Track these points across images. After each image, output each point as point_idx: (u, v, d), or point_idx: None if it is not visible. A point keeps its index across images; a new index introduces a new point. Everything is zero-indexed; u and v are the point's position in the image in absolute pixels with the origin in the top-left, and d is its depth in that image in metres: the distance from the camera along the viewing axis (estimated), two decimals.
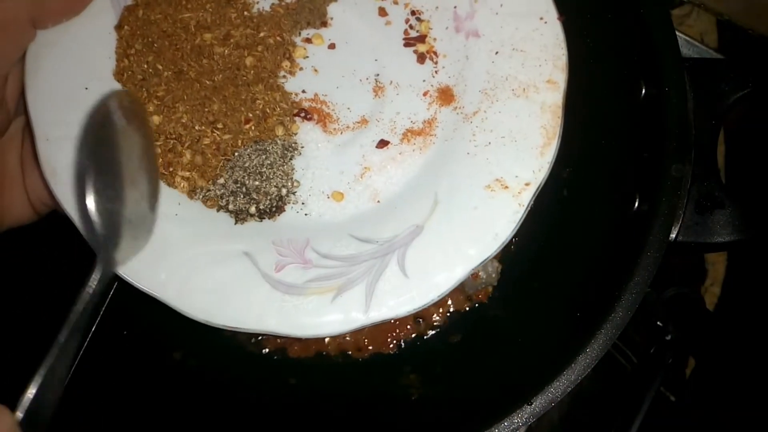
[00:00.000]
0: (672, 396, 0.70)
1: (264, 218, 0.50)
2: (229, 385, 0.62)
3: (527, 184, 0.47)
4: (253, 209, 0.49)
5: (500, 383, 0.53)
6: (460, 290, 0.66)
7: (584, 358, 0.48)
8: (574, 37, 0.62)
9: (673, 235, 0.52)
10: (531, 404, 0.47)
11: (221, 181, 0.49)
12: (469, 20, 0.52)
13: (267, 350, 0.66)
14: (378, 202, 0.51)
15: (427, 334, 0.67)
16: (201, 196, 0.49)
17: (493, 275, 0.63)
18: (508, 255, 0.68)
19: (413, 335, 0.67)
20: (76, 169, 0.43)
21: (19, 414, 0.34)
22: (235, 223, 0.49)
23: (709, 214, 0.54)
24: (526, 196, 0.47)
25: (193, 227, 0.47)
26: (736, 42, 0.75)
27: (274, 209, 0.50)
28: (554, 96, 0.49)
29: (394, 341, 0.67)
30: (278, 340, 0.66)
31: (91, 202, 0.39)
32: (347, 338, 0.67)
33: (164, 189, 0.48)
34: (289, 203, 0.50)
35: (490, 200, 0.47)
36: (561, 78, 0.49)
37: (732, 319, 0.73)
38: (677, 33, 0.56)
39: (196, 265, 0.46)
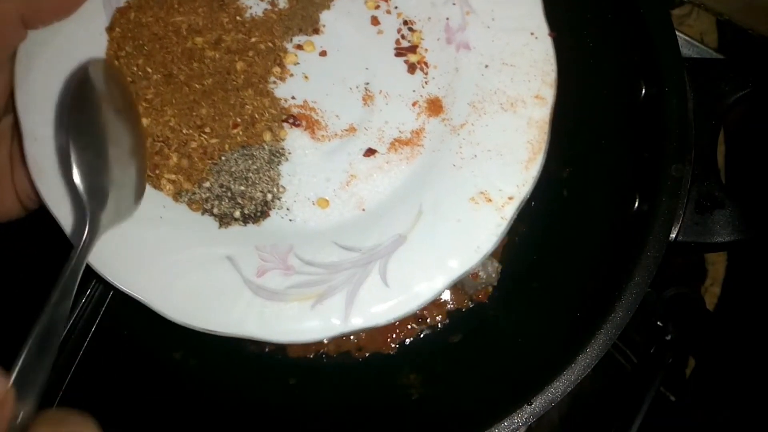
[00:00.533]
0: (672, 396, 0.70)
1: (248, 223, 0.50)
2: (230, 385, 0.62)
3: (510, 198, 0.47)
4: (237, 213, 0.49)
5: (500, 383, 0.53)
6: (460, 290, 0.66)
7: (584, 358, 0.48)
8: (574, 38, 0.62)
9: (673, 235, 0.52)
10: (531, 404, 0.47)
11: (207, 184, 0.49)
12: (461, 32, 0.52)
13: (267, 350, 0.66)
14: (363, 210, 0.51)
15: (427, 334, 0.67)
16: (186, 199, 0.49)
17: (493, 275, 0.63)
18: (508, 255, 0.68)
19: (413, 335, 0.67)
20: (57, 131, 0.44)
21: (13, 375, 0.35)
22: (219, 227, 0.49)
23: (709, 214, 0.54)
24: (509, 210, 0.47)
25: (177, 230, 0.48)
26: (736, 42, 0.75)
27: (258, 214, 0.50)
28: (542, 112, 0.49)
29: (395, 341, 0.67)
30: None
31: (74, 158, 0.40)
32: (347, 338, 0.67)
33: (149, 191, 0.48)
34: (274, 208, 0.50)
35: (474, 213, 0.47)
36: (549, 94, 0.49)
37: (732, 319, 0.73)
38: (677, 33, 0.56)
39: (178, 268, 0.46)
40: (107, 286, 0.54)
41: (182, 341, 0.62)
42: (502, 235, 0.47)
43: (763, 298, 0.73)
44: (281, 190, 0.51)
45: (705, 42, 0.74)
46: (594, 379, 0.73)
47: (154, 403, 0.56)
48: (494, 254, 0.66)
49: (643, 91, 0.54)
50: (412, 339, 0.67)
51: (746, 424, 0.69)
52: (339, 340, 0.67)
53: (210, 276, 0.46)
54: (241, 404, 0.59)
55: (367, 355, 0.66)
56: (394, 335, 0.67)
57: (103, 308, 0.53)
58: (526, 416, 0.47)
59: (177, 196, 0.49)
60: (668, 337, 0.66)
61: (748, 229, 0.54)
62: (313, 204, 0.51)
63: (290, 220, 0.50)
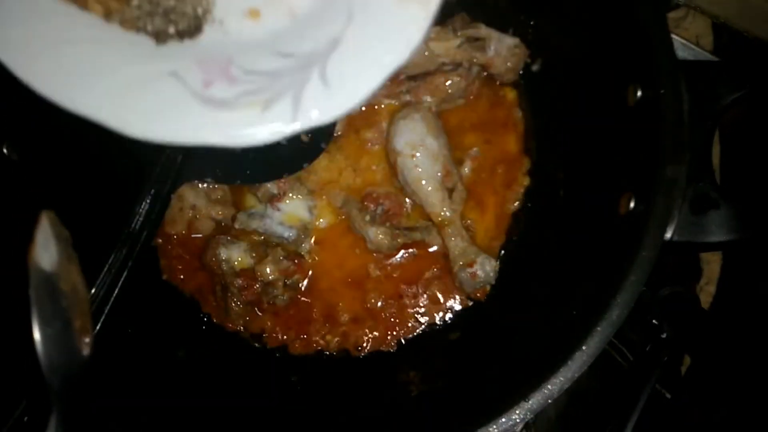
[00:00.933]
0: (668, 393, 0.71)
1: (184, 38, 0.50)
2: (232, 382, 0.63)
3: None
4: (171, 29, 0.50)
5: (498, 380, 0.54)
6: (459, 289, 0.67)
7: (581, 356, 0.48)
8: (571, 40, 0.63)
9: (668, 235, 0.52)
10: (528, 401, 0.48)
11: (135, 2, 0.49)
12: None
13: (269, 348, 0.67)
14: (294, 17, 0.51)
15: (426, 332, 0.68)
16: (117, 19, 0.49)
17: (491, 274, 0.64)
18: (506, 254, 0.69)
19: (413, 333, 0.68)
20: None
21: None
22: (157, 44, 0.50)
23: (703, 214, 0.55)
24: (434, 5, 0.48)
25: (114, 49, 0.48)
26: (731, 45, 0.75)
27: (192, 29, 0.50)
28: None
29: (394, 339, 0.68)
30: (282, 337, 0.67)
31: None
32: (347, 336, 0.68)
33: (80, 13, 0.48)
34: (206, 23, 0.51)
35: (402, 11, 0.48)
36: None
37: (727, 318, 0.74)
38: (673, 36, 0.57)
39: (125, 86, 0.47)
40: (111, 285, 0.55)
41: (186, 339, 0.63)
42: (428, 29, 0.48)
43: (757, 296, 0.74)
44: (211, 3, 0.51)
45: (701, 45, 0.75)
46: (590, 377, 0.73)
47: (158, 401, 0.56)
48: (492, 254, 0.68)
49: (639, 93, 0.54)
50: (411, 337, 0.68)
51: (741, 421, 0.70)
52: (340, 337, 0.67)
53: (158, 91, 0.47)
54: (244, 401, 0.59)
55: (368, 352, 0.67)
56: (393, 333, 0.67)
57: (108, 306, 0.54)
58: (523, 413, 0.48)
59: (107, 16, 0.49)
60: (664, 336, 0.67)
61: (742, 228, 0.55)
62: (245, 15, 0.51)
63: (224, 32, 0.51)
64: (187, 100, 0.47)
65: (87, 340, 0.45)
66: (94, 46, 0.48)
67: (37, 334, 0.40)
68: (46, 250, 0.44)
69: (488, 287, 0.67)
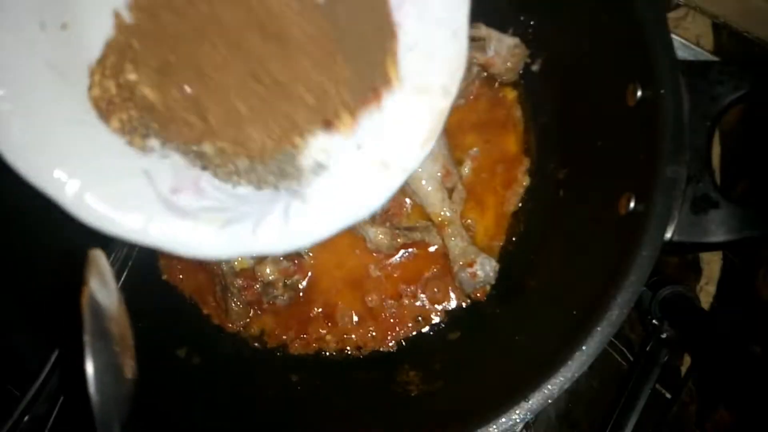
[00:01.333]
0: (667, 393, 0.71)
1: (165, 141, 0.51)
2: (232, 382, 0.63)
3: (402, 170, 0.49)
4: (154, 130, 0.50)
5: (498, 380, 0.54)
6: (459, 289, 0.67)
7: (581, 356, 0.48)
8: (571, 40, 0.63)
9: (668, 235, 0.52)
10: (528, 401, 0.48)
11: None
12: (398, 10, 0.53)
13: (269, 347, 0.67)
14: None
15: (426, 332, 0.68)
16: (128, 138, 0.49)
17: (491, 274, 0.64)
18: (506, 254, 0.69)
19: (412, 333, 0.68)
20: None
21: None
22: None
23: (704, 214, 0.55)
24: (398, 181, 0.49)
25: (96, 136, 0.48)
26: (731, 45, 0.75)
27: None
28: (444, 102, 0.50)
29: (394, 339, 0.68)
30: (282, 337, 0.67)
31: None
32: (347, 336, 0.68)
33: (83, 98, 0.48)
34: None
35: (369, 177, 0.49)
36: (453, 89, 0.50)
37: (726, 318, 0.74)
38: (673, 36, 0.57)
39: (94, 174, 0.47)
40: None
41: (186, 338, 0.63)
42: (385, 202, 0.49)
43: (756, 296, 0.74)
44: None
45: (701, 44, 0.75)
46: (590, 377, 0.74)
47: (159, 399, 0.56)
48: (492, 254, 0.68)
49: (639, 93, 0.55)
50: (411, 337, 0.68)
51: (740, 421, 0.70)
52: (339, 337, 0.67)
53: (126, 186, 0.47)
54: (244, 400, 0.59)
55: (367, 352, 0.67)
56: (393, 333, 0.68)
57: None
58: (523, 413, 0.48)
59: (120, 131, 0.49)
60: (664, 336, 0.67)
61: (742, 228, 0.55)
62: None
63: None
64: (152, 202, 0.48)
65: (132, 378, 0.44)
66: (75, 129, 0.48)
67: (92, 386, 0.38)
68: (105, 293, 0.42)
69: (488, 287, 0.67)
